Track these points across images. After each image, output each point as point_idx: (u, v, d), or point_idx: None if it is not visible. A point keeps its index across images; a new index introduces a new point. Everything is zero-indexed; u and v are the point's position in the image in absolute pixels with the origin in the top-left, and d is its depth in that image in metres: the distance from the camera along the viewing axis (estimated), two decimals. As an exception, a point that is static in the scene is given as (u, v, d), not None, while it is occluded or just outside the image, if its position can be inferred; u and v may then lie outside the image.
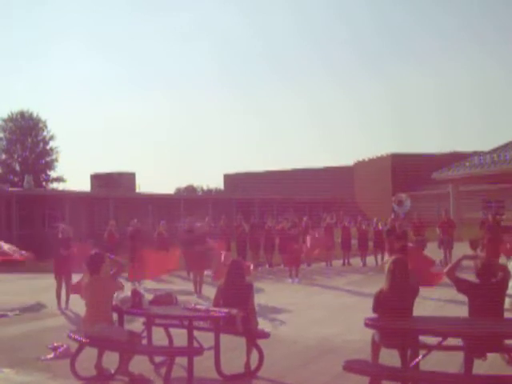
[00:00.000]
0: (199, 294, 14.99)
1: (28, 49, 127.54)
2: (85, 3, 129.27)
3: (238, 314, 7.40)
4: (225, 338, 7.66)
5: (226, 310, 7.47)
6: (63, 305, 13.39)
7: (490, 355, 6.89)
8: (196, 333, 7.53)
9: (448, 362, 6.90)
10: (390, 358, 6.79)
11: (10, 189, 40.85)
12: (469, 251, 19.26)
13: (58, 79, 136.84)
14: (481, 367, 6.74)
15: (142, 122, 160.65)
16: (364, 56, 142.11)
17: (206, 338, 7.60)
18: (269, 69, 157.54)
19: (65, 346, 8.93)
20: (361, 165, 70.93)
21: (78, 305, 12.25)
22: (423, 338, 6.70)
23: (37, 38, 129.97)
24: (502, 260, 14.43)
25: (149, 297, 8.37)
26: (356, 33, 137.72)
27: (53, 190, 63.02)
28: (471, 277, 7.22)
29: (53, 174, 73.90)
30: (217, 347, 7.45)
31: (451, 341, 6.69)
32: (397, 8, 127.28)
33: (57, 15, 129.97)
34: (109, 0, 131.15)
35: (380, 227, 22.22)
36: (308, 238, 21.74)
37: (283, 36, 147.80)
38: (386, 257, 19.63)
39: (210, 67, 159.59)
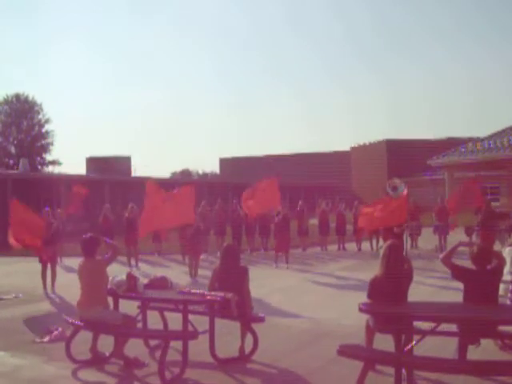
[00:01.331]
0: (194, 278, 15.01)
1: (26, 36, 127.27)
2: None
3: (233, 298, 7.40)
4: (219, 322, 7.68)
5: (221, 294, 7.48)
6: (49, 289, 13.44)
7: (483, 341, 6.91)
8: (191, 317, 7.54)
9: (442, 347, 6.92)
10: (384, 342, 6.80)
11: (5, 171, 40.66)
12: (464, 237, 19.35)
13: (55, 63, 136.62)
14: (474, 353, 6.76)
15: (138, 106, 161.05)
16: (360, 48, 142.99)
17: (200, 322, 7.61)
18: (265, 60, 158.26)
19: (60, 329, 8.94)
20: (357, 150, 70.90)
21: (66, 289, 12.38)
22: (417, 324, 6.71)
23: (36, 27, 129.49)
24: (497, 247, 14.45)
25: (144, 280, 8.37)
26: (351, 26, 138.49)
27: (48, 173, 62.80)
28: (466, 263, 7.23)
29: (48, 157, 73.94)
30: (211, 331, 7.47)
31: (445, 326, 6.72)
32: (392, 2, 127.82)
33: (52, 10, 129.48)
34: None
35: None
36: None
37: (278, 29, 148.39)
38: (381, 242, 19.69)
39: (206, 55, 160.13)
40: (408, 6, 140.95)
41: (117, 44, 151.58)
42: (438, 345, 6.98)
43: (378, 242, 20.29)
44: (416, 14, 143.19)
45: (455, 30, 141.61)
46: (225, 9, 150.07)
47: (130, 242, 18.12)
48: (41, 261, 13.59)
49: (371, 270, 7.44)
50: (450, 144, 42.60)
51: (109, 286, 7.84)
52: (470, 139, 38.15)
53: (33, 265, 13.73)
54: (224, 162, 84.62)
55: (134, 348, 7.75)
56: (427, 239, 21.32)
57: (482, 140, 33.35)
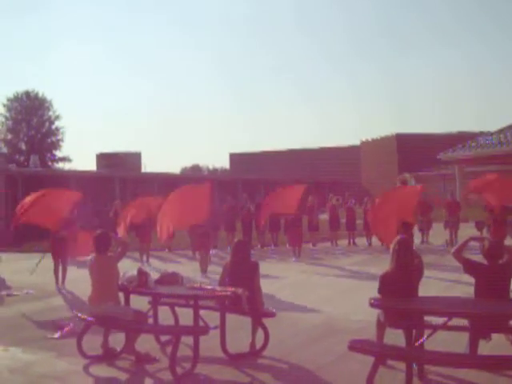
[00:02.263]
0: (205, 274, 15.02)
1: (37, 33, 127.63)
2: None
3: (244, 293, 7.40)
4: (230, 318, 7.68)
5: (231, 289, 7.49)
6: (60, 285, 13.57)
7: (494, 336, 6.90)
8: (202, 312, 7.56)
9: (453, 342, 6.91)
10: (395, 337, 6.80)
11: (16, 168, 40.80)
12: (474, 232, 19.29)
13: (65, 60, 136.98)
14: (485, 348, 6.75)
15: (148, 103, 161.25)
16: (368, 46, 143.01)
17: (211, 317, 7.62)
18: (273, 58, 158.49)
19: (71, 324, 8.98)
20: (367, 144, 70.67)
21: (77, 285, 12.42)
22: (428, 319, 6.71)
23: (46, 25, 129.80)
24: (508, 241, 14.40)
25: (155, 276, 8.39)
26: (358, 24, 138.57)
27: (58, 169, 62.98)
28: (477, 258, 7.21)
29: (58, 153, 74.02)
30: (222, 326, 7.47)
31: (456, 321, 6.70)
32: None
33: (60, 8, 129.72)
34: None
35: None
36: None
37: (287, 29, 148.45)
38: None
39: (216, 53, 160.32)
40: (415, 5, 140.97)
41: (126, 42, 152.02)
42: (449, 339, 6.97)
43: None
44: (424, 12, 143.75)
45: (462, 26, 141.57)
46: (231, 7, 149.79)
47: (143, 239, 18.15)
48: (53, 257, 13.68)
49: (382, 265, 7.44)
50: (461, 138, 42.41)
51: (120, 282, 7.87)
52: (481, 133, 38.00)
53: (44, 261, 13.78)
54: (234, 157, 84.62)
55: (145, 343, 7.77)
56: (438, 234, 21.24)
57: (492, 134, 33.19)
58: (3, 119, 71.08)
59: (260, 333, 7.73)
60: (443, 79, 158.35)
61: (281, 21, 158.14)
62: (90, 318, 7.63)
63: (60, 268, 13.74)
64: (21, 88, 72.68)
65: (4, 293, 12.83)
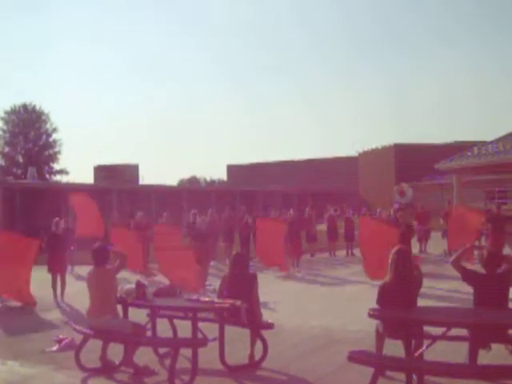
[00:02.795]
0: (203, 286, 14.99)
1: (31, 45, 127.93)
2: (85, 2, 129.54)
3: (242, 305, 7.41)
4: (229, 330, 7.68)
5: (230, 301, 7.49)
6: (59, 298, 13.53)
7: (494, 345, 6.90)
8: (200, 324, 7.55)
9: (452, 352, 6.91)
10: (394, 348, 6.80)
11: (14, 181, 40.82)
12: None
13: (61, 73, 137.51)
14: (485, 357, 6.75)
15: (145, 115, 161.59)
16: (370, 55, 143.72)
17: (210, 330, 7.61)
18: (273, 69, 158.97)
19: (69, 338, 8.96)
20: (365, 155, 70.83)
21: (75, 298, 12.40)
22: (427, 329, 6.70)
23: (39, 35, 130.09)
24: (506, 250, 14.41)
25: (153, 289, 8.39)
26: (358, 30, 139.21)
27: (56, 182, 62.98)
28: (476, 267, 7.22)
29: (56, 166, 74.11)
30: (221, 338, 7.48)
31: (456, 331, 6.70)
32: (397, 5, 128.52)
33: (60, 14, 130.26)
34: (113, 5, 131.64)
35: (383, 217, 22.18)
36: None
37: (286, 34, 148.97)
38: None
39: (212, 62, 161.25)
40: (417, 14, 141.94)
41: (127, 49, 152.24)
42: (449, 349, 6.97)
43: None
44: (425, 22, 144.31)
45: (462, 36, 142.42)
46: (235, 10, 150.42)
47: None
48: (50, 270, 13.69)
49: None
50: (458, 148, 42.52)
51: (118, 295, 7.86)
52: (477, 143, 38.08)
53: (41, 274, 13.75)
54: (231, 169, 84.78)
55: (144, 356, 7.76)
56: (436, 243, 21.26)
57: (490, 143, 33.30)
58: (1, 132, 71.23)
59: (259, 344, 7.74)
60: (441, 91, 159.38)
61: (287, 35, 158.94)
62: (88, 331, 7.63)
63: (58, 282, 13.72)
64: (18, 99, 72.93)
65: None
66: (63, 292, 13.67)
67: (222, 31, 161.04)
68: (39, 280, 14.06)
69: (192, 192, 50.36)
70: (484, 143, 34.42)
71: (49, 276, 13.74)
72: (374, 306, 6.80)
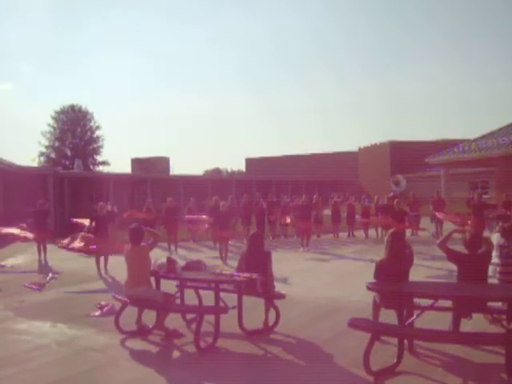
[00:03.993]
0: (224, 261, 15.04)
1: (78, 53, 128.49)
2: (125, 13, 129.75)
3: (258, 278, 7.42)
4: (246, 299, 7.69)
5: (247, 274, 7.50)
6: (102, 271, 13.66)
7: (474, 315, 6.87)
8: (222, 294, 7.57)
9: (439, 320, 6.88)
10: (388, 317, 6.79)
11: (63, 171, 40.99)
12: (457, 226, 19.16)
13: (104, 77, 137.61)
14: (466, 326, 6.73)
15: (175, 115, 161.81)
16: (367, 62, 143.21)
17: (230, 299, 7.63)
18: (287, 76, 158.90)
19: (110, 304, 9.02)
20: (364, 150, 70.46)
21: (116, 271, 12.48)
22: (417, 300, 6.69)
23: (85, 43, 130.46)
24: (486, 233, 14.31)
25: (181, 263, 8.42)
26: (357, 42, 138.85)
27: (99, 172, 63.22)
28: (459, 248, 7.18)
29: (99, 158, 74.22)
30: (239, 306, 7.49)
31: (442, 302, 6.69)
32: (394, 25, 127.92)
33: (104, 22, 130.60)
34: (147, 13, 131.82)
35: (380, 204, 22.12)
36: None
37: (297, 45, 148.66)
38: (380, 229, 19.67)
39: (234, 66, 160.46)
40: (408, 30, 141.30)
41: (154, 58, 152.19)
42: (435, 319, 6.94)
43: (382, 229, 20.21)
44: (414, 30, 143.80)
45: (448, 45, 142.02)
46: (250, 25, 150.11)
47: (171, 231, 18.23)
48: (96, 248, 13.80)
49: (377, 254, 7.42)
50: (446, 145, 42.15)
51: (152, 268, 7.90)
52: (463, 140, 37.79)
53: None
54: (249, 162, 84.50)
55: (173, 321, 7.81)
56: (425, 227, 21.14)
57: (473, 141, 33.06)
58: (52, 129, 71.56)
59: (272, 312, 7.76)
60: (431, 95, 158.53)
61: (295, 45, 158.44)
62: (126, 299, 7.68)
63: (102, 257, 13.84)
64: (66, 102, 73.01)
65: (50, 276, 12.86)
66: (106, 266, 13.78)
67: (244, 44, 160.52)
68: (83, 256, 14.23)
69: (215, 181, 50.35)
70: (469, 141, 34.20)
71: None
72: (372, 280, 6.80)
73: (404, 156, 58.79)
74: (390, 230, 7.28)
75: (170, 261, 8.03)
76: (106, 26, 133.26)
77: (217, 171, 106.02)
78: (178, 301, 8.23)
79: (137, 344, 7.28)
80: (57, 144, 71.60)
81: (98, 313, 8.96)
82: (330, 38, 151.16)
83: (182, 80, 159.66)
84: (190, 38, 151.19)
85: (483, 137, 32.48)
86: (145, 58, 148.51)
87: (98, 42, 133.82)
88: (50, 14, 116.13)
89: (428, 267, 12.78)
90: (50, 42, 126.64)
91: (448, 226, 17.16)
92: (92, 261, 13.82)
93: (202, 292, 8.47)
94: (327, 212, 23.89)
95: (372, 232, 21.67)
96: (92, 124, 73.64)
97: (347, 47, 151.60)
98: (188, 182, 44.51)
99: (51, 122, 71.52)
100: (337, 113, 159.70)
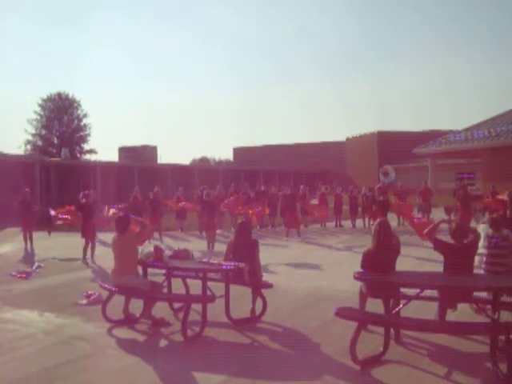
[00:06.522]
0: (212, 250, 15.04)
1: (69, 43, 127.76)
2: (114, 10, 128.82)
3: (246, 267, 7.42)
4: (233, 288, 7.70)
5: (234, 263, 7.51)
6: (89, 260, 13.65)
7: (460, 305, 6.93)
8: (209, 283, 7.57)
9: (425, 310, 6.92)
10: (375, 306, 6.82)
11: (50, 159, 40.72)
12: (444, 216, 19.31)
13: (93, 66, 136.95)
14: (452, 315, 6.78)
15: (163, 104, 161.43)
16: (355, 57, 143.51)
17: (217, 288, 7.64)
18: (274, 67, 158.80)
19: (97, 293, 9.01)
20: (352, 141, 70.48)
21: (102, 260, 12.46)
22: (404, 290, 6.72)
23: (75, 34, 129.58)
24: (472, 224, 14.40)
25: (168, 252, 8.41)
26: (345, 38, 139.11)
27: (86, 160, 62.88)
28: (446, 238, 7.22)
29: (86, 146, 73.67)
30: (227, 296, 7.50)
31: (428, 292, 6.73)
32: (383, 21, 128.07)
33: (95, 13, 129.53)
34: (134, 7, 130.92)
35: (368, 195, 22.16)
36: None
37: (284, 41, 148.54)
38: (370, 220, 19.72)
39: (221, 58, 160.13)
40: (396, 27, 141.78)
41: (136, 52, 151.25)
42: (421, 308, 6.99)
43: (369, 220, 20.29)
44: (402, 23, 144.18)
45: (434, 40, 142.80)
46: (241, 21, 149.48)
47: (154, 221, 18.15)
48: (83, 235, 13.80)
49: (364, 244, 7.43)
50: (433, 135, 42.37)
51: (139, 257, 7.88)
52: (450, 131, 37.97)
53: (72, 239, 13.81)
54: (237, 151, 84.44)
55: (161, 310, 7.81)
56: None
57: (459, 132, 33.23)
58: (38, 117, 70.96)
59: (259, 301, 7.78)
60: (419, 86, 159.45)
61: (283, 38, 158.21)
62: (113, 288, 7.66)
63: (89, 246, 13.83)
64: (53, 90, 72.38)
65: (37, 265, 12.81)
66: (93, 254, 13.77)
67: (236, 41, 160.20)
68: (70, 244, 14.15)
69: (203, 170, 50.33)
70: (455, 132, 34.36)
71: (82, 240, 13.84)
72: (359, 269, 6.82)
73: (392, 146, 58.99)
74: (377, 220, 7.30)
75: (157, 249, 8.02)
76: (96, 18, 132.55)
77: (204, 160, 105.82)
78: (166, 290, 8.22)
79: (124, 333, 7.27)
80: (43, 132, 71.02)
81: (85, 302, 8.94)
82: (318, 31, 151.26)
83: (170, 70, 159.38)
84: (178, 31, 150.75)
85: (470, 128, 32.66)
86: (134, 48, 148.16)
87: (90, 34, 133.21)
88: (39, 2, 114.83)
89: (415, 257, 12.85)
90: (38, 30, 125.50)
91: (435, 216, 17.25)
92: (79, 250, 13.78)
93: (189, 281, 8.47)
94: (315, 202, 23.93)
95: (359, 222, 21.75)
96: (79, 112, 73.02)
97: (335, 41, 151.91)
98: (176, 171, 44.43)
99: (38, 109, 70.99)
100: (326, 106, 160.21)
